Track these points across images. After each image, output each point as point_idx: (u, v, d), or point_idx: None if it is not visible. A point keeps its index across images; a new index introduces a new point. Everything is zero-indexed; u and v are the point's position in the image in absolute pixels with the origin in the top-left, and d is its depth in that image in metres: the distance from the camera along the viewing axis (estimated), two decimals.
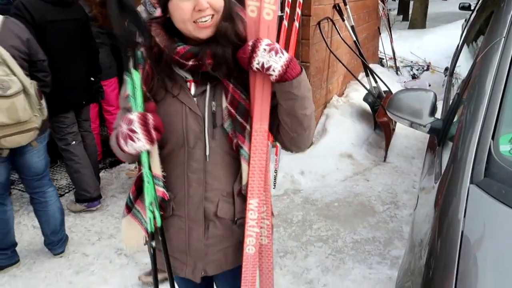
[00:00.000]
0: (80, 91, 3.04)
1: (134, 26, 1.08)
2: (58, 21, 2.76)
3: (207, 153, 1.13)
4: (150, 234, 1.19)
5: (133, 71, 1.06)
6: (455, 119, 1.47)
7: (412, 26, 11.94)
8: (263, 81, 1.07)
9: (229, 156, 1.16)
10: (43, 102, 2.31)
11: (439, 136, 1.53)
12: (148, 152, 1.11)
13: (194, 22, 1.02)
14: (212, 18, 1.03)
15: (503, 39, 1.38)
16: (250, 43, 1.02)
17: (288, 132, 1.14)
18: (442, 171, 1.36)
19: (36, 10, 2.68)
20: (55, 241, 2.64)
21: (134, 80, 1.06)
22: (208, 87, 1.11)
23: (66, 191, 3.54)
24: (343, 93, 5.14)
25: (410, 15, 13.03)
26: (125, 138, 1.04)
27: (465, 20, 7.66)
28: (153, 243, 1.19)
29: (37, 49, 2.40)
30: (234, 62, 1.06)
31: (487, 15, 2.30)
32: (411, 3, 13.76)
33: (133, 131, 1.03)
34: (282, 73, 1.01)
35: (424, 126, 1.55)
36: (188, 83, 1.13)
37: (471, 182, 1.11)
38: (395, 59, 7.32)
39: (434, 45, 8.91)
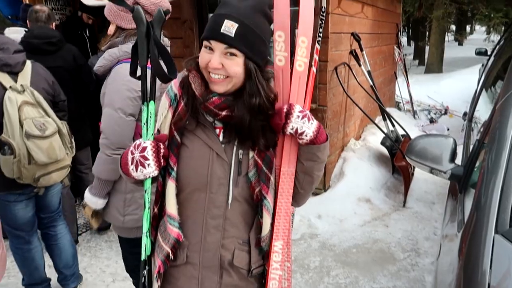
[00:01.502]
0: None
1: (160, 60, 1.12)
2: None
3: (229, 200, 1.14)
4: (143, 262, 1.19)
5: (150, 101, 1.12)
6: (476, 166, 1.45)
7: (428, 71, 12.06)
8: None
9: (247, 204, 1.17)
10: (73, 140, 2.42)
11: (461, 182, 1.50)
12: (163, 192, 1.14)
13: (208, 72, 1.07)
14: (225, 78, 1.06)
15: None
16: (284, 109, 1.07)
17: (297, 188, 1.18)
18: (465, 219, 1.32)
19: None
20: (68, 276, 2.65)
21: (150, 109, 1.12)
22: (236, 136, 1.14)
23: (83, 230, 3.55)
24: (360, 137, 5.14)
25: (426, 60, 13.18)
26: (136, 164, 1.09)
27: (482, 65, 7.72)
28: (145, 272, 1.19)
29: (59, 90, 2.51)
30: (259, 134, 1.10)
31: (505, 60, 2.31)
32: (427, 48, 13.98)
33: (145, 158, 1.08)
34: (313, 138, 1.08)
35: (445, 173, 1.53)
36: (217, 130, 1.15)
37: (496, 231, 1.07)
38: (412, 103, 7.34)
39: (451, 89, 8.93)
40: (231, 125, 1.12)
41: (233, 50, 1.03)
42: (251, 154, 1.13)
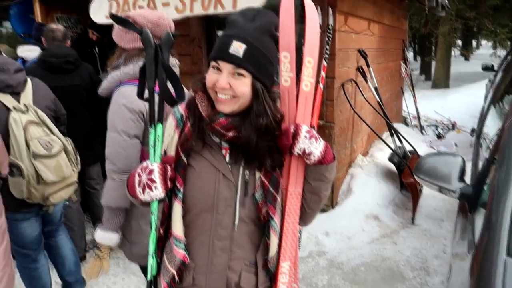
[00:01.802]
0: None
1: (167, 83, 1.14)
2: (52, 87, 2.78)
3: (236, 221, 1.14)
4: (149, 283, 1.19)
5: (157, 124, 1.13)
6: (486, 185, 1.44)
7: (435, 86, 12.06)
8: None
9: (254, 225, 1.17)
10: (78, 156, 2.42)
11: (470, 202, 1.49)
12: (170, 213, 1.14)
13: (215, 92, 1.08)
14: (232, 98, 1.07)
15: None
16: (291, 130, 1.08)
17: (304, 208, 1.18)
18: (476, 240, 1.31)
19: (34, 77, 2.80)
20: (72, 283, 2.66)
21: (157, 132, 1.13)
22: (243, 156, 1.14)
23: (91, 246, 3.55)
24: (367, 153, 5.12)
25: (432, 75, 13.20)
26: (143, 186, 1.10)
27: (489, 80, 7.71)
28: None
29: (60, 105, 2.51)
30: (266, 154, 1.10)
31: None
32: (433, 63, 14.00)
33: (152, 181, 1.09)
34: (321, 158, 1.09)
35: (454, 192, 1.52)
36: (224, 150, 1.16)
37: (508, 254, 1.06)
38: (419, 119, 7.32)
39: (458, 105, 8.92)
40: (237, 146, 1.12)
41: (241, 71, 1.04)
42: (257, 174, 1.13)
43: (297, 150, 1.08)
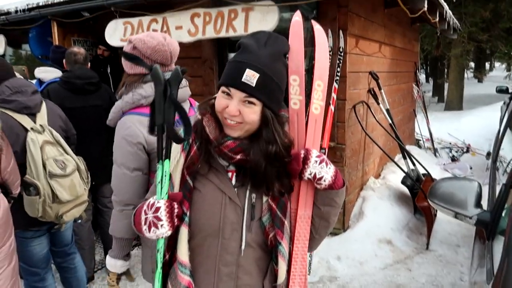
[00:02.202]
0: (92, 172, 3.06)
1: (175, 117, 1.12)
2: (76, 108, 2.90)
3: (243, 246, 1.11)
4: None
5: (165, 160, 1.10)
6: (504, 211, 1.39)
7: (448, 108, 11.95)
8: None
9: (261, 250, 1.14)
10: (89, 175, 2.46)
11: (488, 229, 1.44)
12: (174, 239, 1.12)
13: (224, 117, 1.07)
14: (240, 123, 1.05)
15: None
16: (301, 154, 1.07)
17: (313, 234, 1.16)
18: (495, 269, 1.25)
19: (57, 97, 2.87)
20: None
21: (165, 168, 1.10)
22: (249, 179, 1.12)
23: (99, 267, 3.52)
24: (379, 175, 5.05)
25: (445, 97, 13.11)
26: (149, 225, 1.06)
27: (504, 103, 7.62)
28: None
29: (71, 125, 2.58)
30: (274, 180, 1.09)
31: None
32: (446, 85, 13.93)
33: (159, 219, 1.05)
34: (331, 183, 1.08)
35: (470, 218, 1.47)
36: (230, 173, 1.14)
37: None
38: (432, 141, 7.22)
39: (472, 127, 8.79)
40: (244, 169, 1.10)
41: (252, 99, 1.03)
42: (264, 198, 1.11)
43: (307, 175, 1.07)
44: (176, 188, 1.12)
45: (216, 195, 1.12)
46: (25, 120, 2.17)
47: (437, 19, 4.58)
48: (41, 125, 2.22)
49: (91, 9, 3.96)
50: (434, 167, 5.86)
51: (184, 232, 1.11)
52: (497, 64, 26.40)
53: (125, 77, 1.68)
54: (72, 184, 2.23)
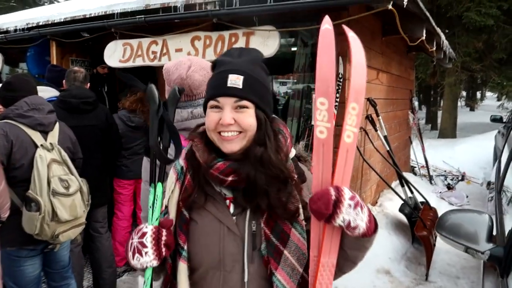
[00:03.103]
0: None
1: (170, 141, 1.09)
2: (71, 127, 2.81)
3: (245, 278, 1.02)
4: None
5: (158, 183, 1.05)
6: None
7: (442, 136, 12.05)
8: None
9: (266, 283, 1.04)
10: (90, 198, 2.46)
11: (502, 265, 1.37)
12: (174, 274, 1.04)
13: (218, 133, 1.01)
14: (238, 134, 1.00)
15: None
16: (332, 195, 0.89)
17: (335, 272, 1.03)
18: None
19: None
20: None
21: (157, 192, 1.05)
22: (248, 206, 1.04)
23: None
24: (376, 202, 4.99)
25: (439, 125, 13.24)
26: (133, 250, 0.99)
27: (499, 132, 7.68)
28: None
29: (78, 148, 2.59)
30: (268, 189, 0.99)
31: None
32: (439, 112, 14.08)
33: (143, 245, 0.99)
34: (365, 230, 0.92)
35: (482, 253, 1.41)
36: (227, 201, 1.06)
37: None
38: (428, 168, 7.22)
39: (466, 155, 8.82)
40: (240, 192, 1.03)
41: (244, 102, 0.99)
42: (262, 224, 1.02)
43: (339, 221, 0.89)
44: (172, 221, 1.05)
45: (214, 226, 1.04)
46: (36, 137, 2.24)
47: (434, 48, 4.64)
48: (51, 143, 2.27)
49: (91, 29, 3.96)
50: (430, 195, 5.82)
51: (183, 267, 1.04)
52: (488, 93, 26.93)
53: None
54: (73, 204, 2.24)
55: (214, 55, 3.35)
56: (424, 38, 3.84)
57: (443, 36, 4.77)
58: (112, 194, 3.67)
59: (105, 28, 3.79)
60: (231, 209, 1.05)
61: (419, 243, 4.08)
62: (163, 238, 1.00)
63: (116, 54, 3.86)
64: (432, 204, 4.77)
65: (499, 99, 22.56)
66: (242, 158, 1.01)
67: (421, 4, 3.24)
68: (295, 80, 4.76)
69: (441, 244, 4.11)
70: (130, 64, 3.76)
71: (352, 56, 0.97)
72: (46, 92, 3.37)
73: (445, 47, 5.10)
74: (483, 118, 15.18)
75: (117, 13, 3.67)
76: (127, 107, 3.58)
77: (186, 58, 1.66)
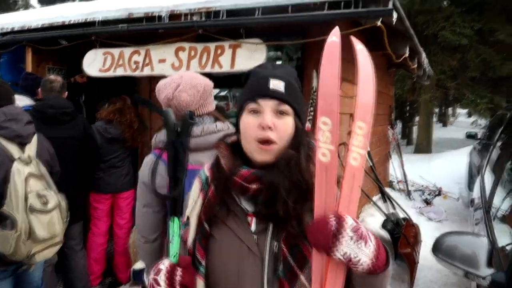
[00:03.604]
0: None
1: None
2: (48, 138, 2.65)
3: None
4: None
5: (174, 218, 1.00)
6: None
7: (418, 151, 12.29)
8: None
9: None
10: (68, 214, 2.34)
11: None
12: None
13: (257, 141, 0.95)
14: (274, 144, 0.94)
15: None
16: (332, 225, 0.80)
17: None
18: None
19: None
20: None
21: (174, 226, 0.99)
22: (271, 224, 0.96)
23: None
24: (358, 217, 4.96)
25: (414, 140, 13.52)
26: (149, 286, 0.96)
27: (474, 148, 7.87)
28: None
29: (56, 161, 2.46)
30: (287, 198, 0.93)
31: None
32: (414, 128, 14.40)
33: (157, 283, 0.94)
34: (370, 267, 0.81)
35: (484, 278, 1.36)
36: (249, 218, 0.99)
37: None
38: (407, 183, 7.30)
39: (442, 170, 9.00)
40: (261, 204, 0.95)
41: (285, 107, 0.94)
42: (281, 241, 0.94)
43: (338, 255, 0.79)
44: (192, 233, 1.00)
45: (233, 243, 0.97)
46: (14, 149, 2.10)
47: (416, 65, 4.71)
48: (29, 156, 2.14)
49: (70, 37, 3.81)
50: (410, 210, 5.85)
51: (200, 284, 0.97)
52: (460, 110, 27.88)
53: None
54: (51, 221, 2.11)
55: (199, 66, 3.27)
56: (407, 55, 3.89)
57: (424, 54, 4.86)
58: (88, 209, 3.49)
59: (85, 35, 3.66)
60: (253, 227, 0.98)
61: (401, 260, 4.06)
62: (178, 277, 0.94)
63: (95, 63, 3.72)
64: (413, 219, 4.79)
65: (469, 115, 23.42)
66: (268, 166, 0.95)
67: (406, 22, 3.27)
68: None
69: (423, 260, 4.12)
70: (110, 73, 3.63)
71: (359, 71, 0.90)
72: (20, 101, 3.21)
73: (425, 64, 5.19)
74: (456, 134, 15.62)
75: (98, 21, 3.54)
76: (104, 117, 3.44)
77: (178, 76, 1.64)
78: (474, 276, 1.39)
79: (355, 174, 0.85)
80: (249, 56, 3.06)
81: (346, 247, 0.79)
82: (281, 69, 1.01)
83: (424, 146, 12.26)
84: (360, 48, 0.93)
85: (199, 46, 3.27)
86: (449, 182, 8.24)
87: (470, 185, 7.67)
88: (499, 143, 3.49)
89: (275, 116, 0.94)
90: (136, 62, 3.51)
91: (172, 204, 1.02)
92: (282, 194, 0.91)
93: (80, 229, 3.14)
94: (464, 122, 16.98)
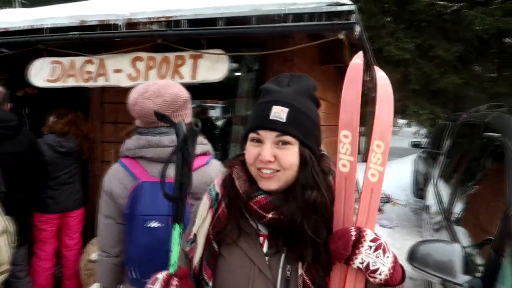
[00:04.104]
0: None
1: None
2: None
3: None
4: None
5: (176, 225, 0.97)
6: (503, 281, 1.34)
7: (365, 159, 12.73)
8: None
9: None
10: (16, 238, 2.09)
11: None
12: None
13: (258, 169, 0.92)
14: (276, 172, 0.90)
15: None
16: (352, 235, 0.84)
17: None
18: None
19: None
20: None
21: (174, 234, 0.96)
22: (285, 247, 0.93)
23: None
24: None
25: (362, 149, 14.05)
26: None
27: (419, 157, 8.31)
28: None
29: (2, 180, 2.26)
30: (317, 239, 0.90)
31: (476, 160, 2.39)
32: (362, 138, 14.95)
33: None
34: (388, 278, 0.84)
35: (461, 285, 1.39)
36: (261, 238, 0.95)
37: None
38: (358, 191, 7.52)
39: (389, 178, 9.33)
40: (278, 231, 0.92)
41: (287, 138, 0.90)
42: (300, 271, 0.90)
43: (357, 263, 0.83)
44: (199, 252, 0.97)
45: (244, 265, 0.93)
46: None
47: (369, 79, 4.89)
48: None
49: (14, 44, 3.53)
50: None
51: None
52: (400, 120, 29.55)
53: (134, 126, 1.65)
54: None
55: (158, 77, 3.15)
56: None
57: (376, 67, 5.05)
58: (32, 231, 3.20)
59: (30, 43, 3.40)
60: (265, 248, 0.94)
61: None
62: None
63: (42, 73, 3.46)
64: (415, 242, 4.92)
65: (409, 125, 24.93)
66: (286, 193, 0.92)
67: (364, 36, 3.38)
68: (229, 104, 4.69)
69: None
70: (59, 84, 3.39)
71: (377, 92, 0.97)
72: None
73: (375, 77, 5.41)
74: (400, 143, 16.45)
75: (47, 28, 3.31)
76: (58, 130, 3.21)
77: (147, 84, 1.61)
78: (450, 283, 1.42)
79: (373, 189, 0.90)
80: (211, 67, 2.99)
81: (366, 255, 0.83)
82: (294, 86, 0.95)
83: None
84: (380, 76, 1.02)
85: (158, 56, 3.15)
86: (396, 189, 8.63)
87: (416, 192, 8.10)
88: (447, 152, 3.69)
89: (276, 147, 0.91)
90: (89, 72, 3.32)
91: (175, 210, 0.99)
92: (308, 236, 0.89)
93: (25, 253, 2.88)
94: (407, 131, 17.95)
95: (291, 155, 0.91)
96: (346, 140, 0.90)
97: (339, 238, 0.85)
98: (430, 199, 3.34)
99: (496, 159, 2.03)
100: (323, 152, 1.02)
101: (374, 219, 0.90)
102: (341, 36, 2.57)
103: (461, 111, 11.01)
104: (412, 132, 15.15)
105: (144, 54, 3.19)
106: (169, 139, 1.54)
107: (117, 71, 3.26)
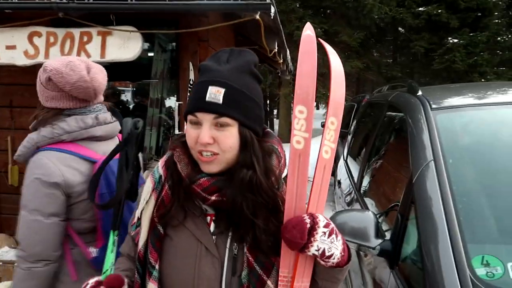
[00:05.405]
0: None
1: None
2: None
3: None
4: None
5: (111, 232, 0.95)
6: (408, 241, 1.48)
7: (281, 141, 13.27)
8: None
9: None
10: None
11: (390, 257, 1.51)
12: None
13: (199, 152, 0.89)
14: (215, 155, 0.88)
15: (432, 161, 1.51)
16: (306, 223, 0.82)
17: None
18: None
19: None
20: None
21: (110, 240, 0.93)
22: (229, 224, 0.92)
23: None
24: None
25: (276, 131, 14.57)
26: None
27: None
28: None
29: None
30: (256, 220, 0.89)
31: (379, 137, 2.60)
32: (275, 120, 15.46)
33: None
34: (340, 260, 0.85)
35: (374, 249, 1.52)
36: (208, 218, 0.93)
37: None
38: None
39: None
40: (223, 212, 0.91)
41: (224, 119, 0.87)
42: (245, 249, 0.90)
43: (313, 250, 0.82)
44: (144, 235, 0.94)
45: (190, 245, 0.91)
46: None
47: (281, 60, 5.03)
48: None
49: None
50: None
51: None
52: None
53: (40, 109, 1.44)
54: None
55: (61, 54, 2.87)
56: (276, 50, 4.11)
57: (288, 50, 5.21)
58: None
59: None
60: (212, 227, 0.92)
61: None
62: None
63: None
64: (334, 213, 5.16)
65: (317, 107, 26.38)
66: (228, 174, 0.89)
67: (277, 18, 3.44)
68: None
69: None
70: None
71: (331, 68, 0.93)
72: None
73: (288, 60, 5.58)
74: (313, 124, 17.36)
75: None
76: None
77: (75, 58, 1.43)
78: (365, 248, 1.54)
79: (325, 167, 0.89)
80: (123, 45, 2.81)
81: (321, 242, 0.82)
82: (233, 62, 0.91)
83: (285, 136, 13.29)
84: (330, 51, 0.98)
85: (60, 32, 2.87)
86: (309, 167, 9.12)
87: None
88: (355, 130, 3.97)
89: (215, 128, 0.88)
90: None
91: (114, 215, 0.95)
92: (248, 217, 0.88)
93: None
94: (317, 113, 19.08)
95: (230, 137, 0.88)
96: (301, 115, 0.87)
97: (294, 227, 0.83)
98: (341, 174, 3.57)
99: (398, 135, 2.23)
100: (267, 129, 1.00)
101: (325, 197, 0.90)
102: (257, 16, 2.58)
103: (363, 93, 11.98)
104: (322, 114, 16.09)
105: (42, 29, 2.88)
106: (109, 114, 1.50)
107: (11, 47, 2.90)
